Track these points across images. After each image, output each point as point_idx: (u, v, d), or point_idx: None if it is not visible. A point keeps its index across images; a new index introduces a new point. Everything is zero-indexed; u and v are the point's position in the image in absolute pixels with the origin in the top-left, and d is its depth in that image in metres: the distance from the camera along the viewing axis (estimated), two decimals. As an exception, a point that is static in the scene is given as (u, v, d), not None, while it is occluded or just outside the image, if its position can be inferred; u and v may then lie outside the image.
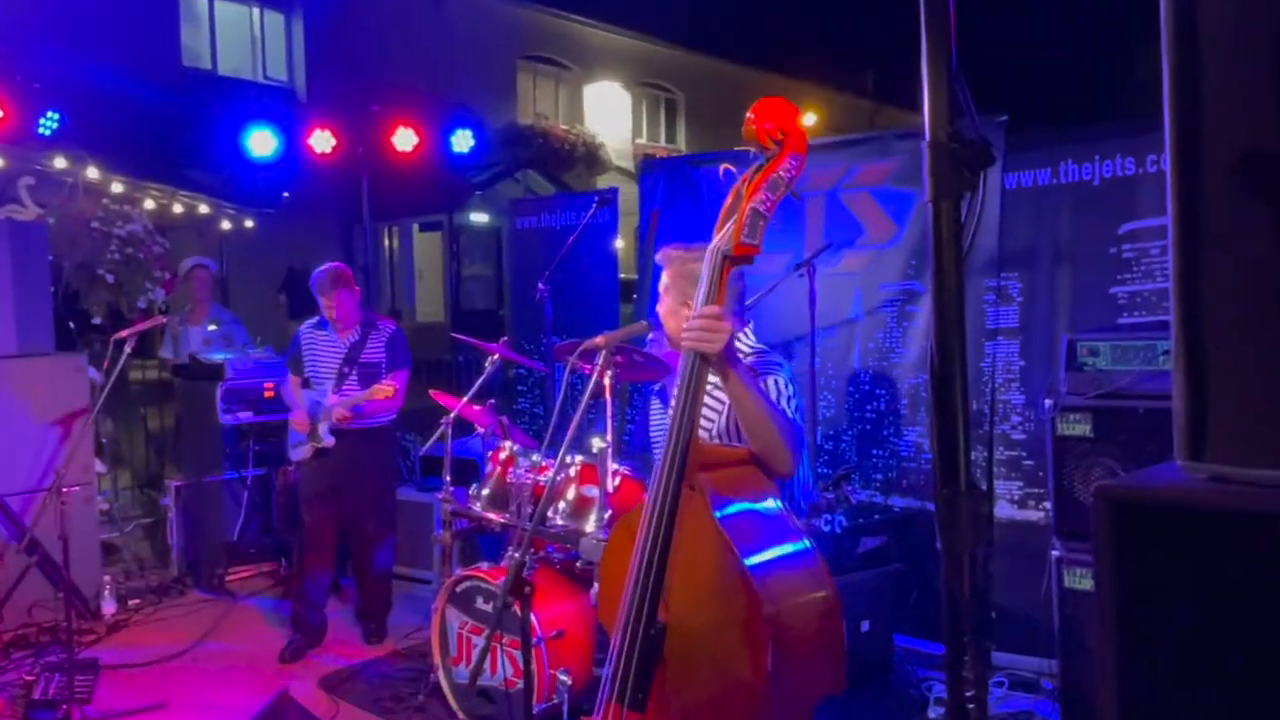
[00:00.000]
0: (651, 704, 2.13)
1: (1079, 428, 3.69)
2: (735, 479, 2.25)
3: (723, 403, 2.63)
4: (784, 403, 2.52)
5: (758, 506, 2.25)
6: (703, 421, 2.66)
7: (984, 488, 4.61)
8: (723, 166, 2.21)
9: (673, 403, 2.16)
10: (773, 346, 5.14)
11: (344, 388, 4.97)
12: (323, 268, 5.02)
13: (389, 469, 5.33)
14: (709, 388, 2.52)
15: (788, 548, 2.19)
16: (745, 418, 2.30)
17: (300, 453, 5.05)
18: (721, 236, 2.11)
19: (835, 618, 2.17)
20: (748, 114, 2.12)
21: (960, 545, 1.42)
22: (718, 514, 2.11)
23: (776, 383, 2.57)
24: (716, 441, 2.64)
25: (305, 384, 5.08)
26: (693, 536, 2.12)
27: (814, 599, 2.15)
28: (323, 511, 5.07)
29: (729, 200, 2.13)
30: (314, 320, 5.12)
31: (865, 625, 4.40)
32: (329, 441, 4.92)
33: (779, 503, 2.29)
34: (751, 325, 2.85)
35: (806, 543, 2.22)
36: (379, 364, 5.03)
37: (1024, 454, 4.62)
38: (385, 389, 4.78)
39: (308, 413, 4.98)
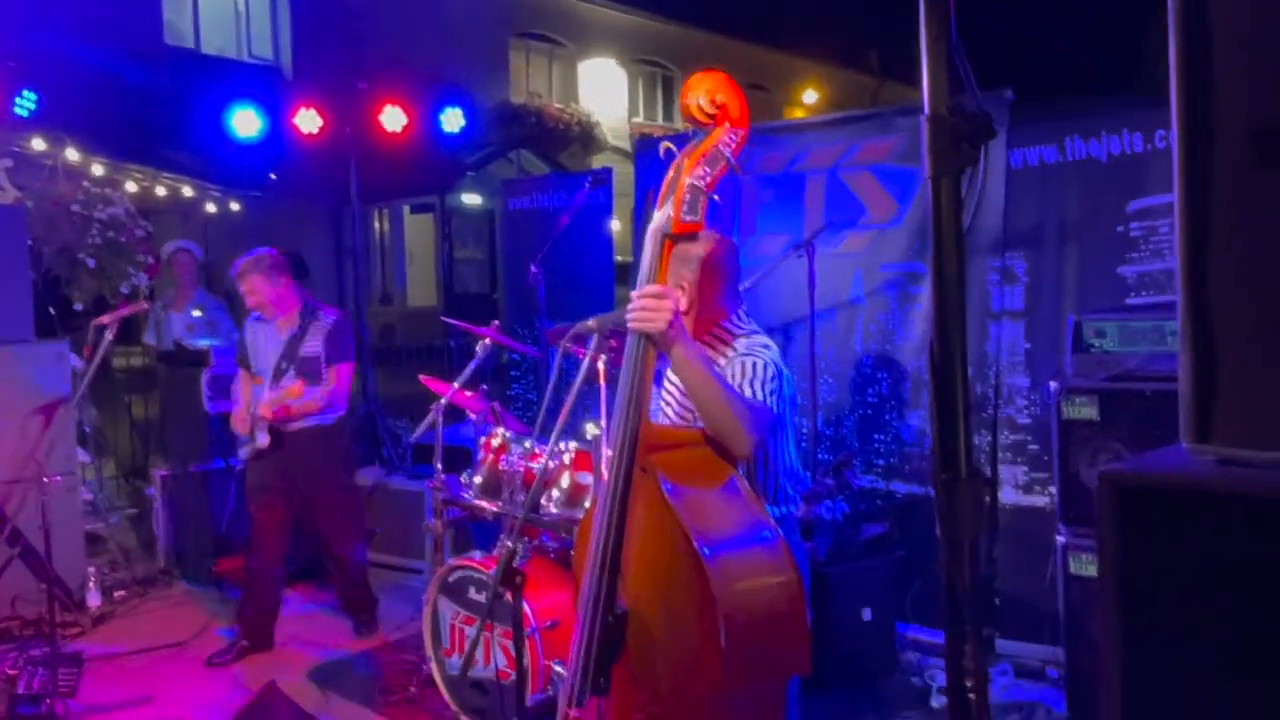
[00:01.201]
0: (614, 687, 2.13)
1: (1085, 411, 3.61)
2: (689, 460, 2.24)
3: None
4: (756, 385, 2.48)
5: (713, 488, 2.23)
6: (688, 407, 2.59)
7: (987, 473, 4.53)
8: (663, 145, 2.18)
9: (620, 384, 2.13)
10: (772, 329, 5.08)
11: (281, 384, 4.67)
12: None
13: (342, 467, 5.03)
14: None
15: (746, 529, 2.18)
16: (694, 397, 2.30)
17: (244, 452, 4.83)
18: (660, 216, 2.10)
19: (797, 600, 2.15)
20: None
21: (960, 532, 1.39)
22: (670, 495, 2.10)
23: (754, 365, 2.52)
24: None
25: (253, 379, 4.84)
26: (646, 519, 2.12)
27: (771, 581, 2.14)
28: (266, 517, 4.82)
29: (668, 177, 2.11)
30: (257, 312, 4.84)
31: (867, 614, 4.32)
32: (263, 442, 4.67)
33: (740, 485, 2.26)
34: (744, 308, 2.76)
35: (768, 525, 2.20)
36: (317, 358, 4.72)
37: (1029, 438, 4.53)
38: (292, 390, 4.54)
39: (249, 411, 4.72)
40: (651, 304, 2.11)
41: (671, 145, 2.16)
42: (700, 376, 2.25)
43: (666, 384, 2.69)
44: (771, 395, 2.49)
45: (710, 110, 2.08)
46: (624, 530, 2.09)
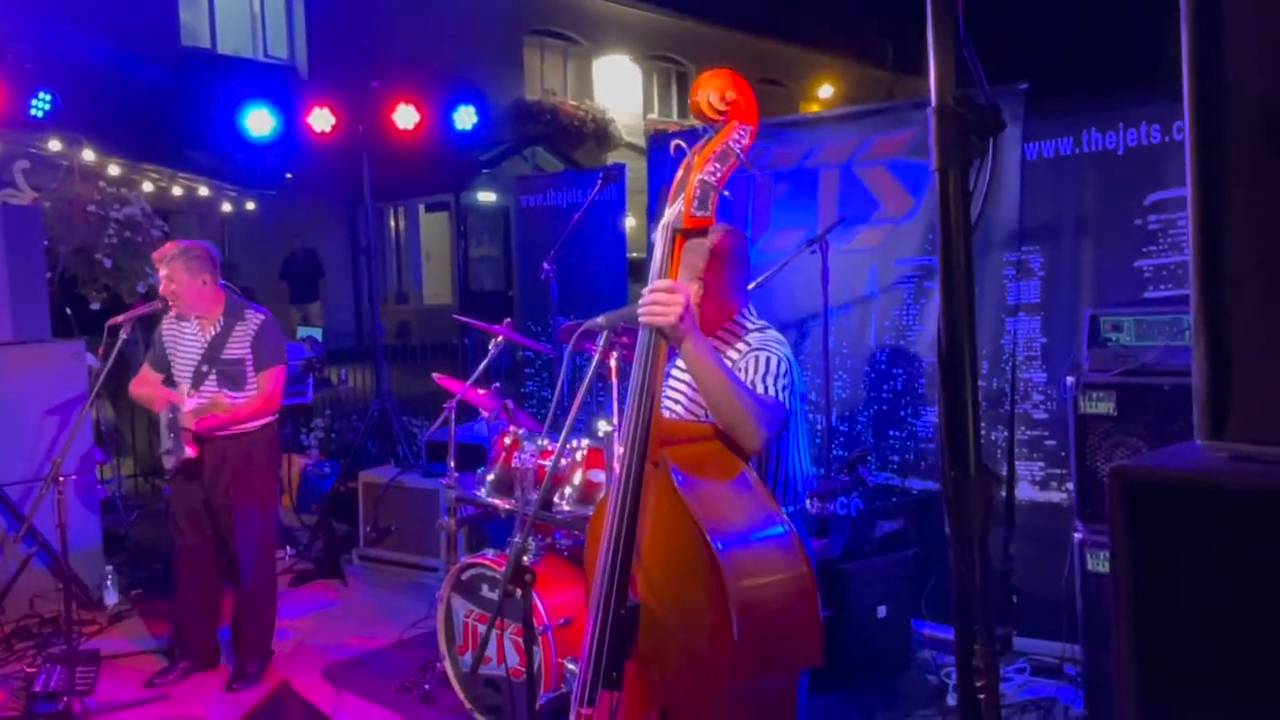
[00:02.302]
0: (627, 681, 2.14)
1: (1102, 406, 3.58)
2: (700, 454, 2.25)
3: None
4: (769, 380, 2.50)
5: (725, 481, 2.25)
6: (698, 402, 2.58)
7: (1003, 469, 4.49)
8: (674, 143, 2.22)
9: (631, 379, 2.16)
10: (786, 325, 5.06)
11: (203, 388, 4.38)
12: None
13: (264, 478, 4.57)
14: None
15: (758, 523, 2.20)
16: (704, 391, 2.33)
17: (169, 462, 4.39)
18: (671, 211, 2.14)
19: (808, 594, 2.17)
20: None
21: (969, 530, 1.38)
22: (682, 488, 2.11)
23: (767, 360, 2.54)
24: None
25: (168, 382, 4.46)
26: (658, 512, 2.13)
27: (783, 575, 2.16)
28: (192, 533, 4.50)
29: (678, 174, 2.16)
30: (175, 312, 4.49)
31: (882, 611, 4.30)
32: (190, 454, 4.27)
33: (751, 479, 2.27)
34: (751, 306, 2.78)
35: (780, 518, 2.21)
36: (242, 361, 4.41)
37: (1046, 434, 4.49)
38: (220, 402, 4.29)
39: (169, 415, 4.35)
40: (662, 298, 2.14)
41: (682, 143, 2.19)
42: (711, 371, 2.27)
43: (676, 379, 2.69)
44: (784, 390, 2.50)
45: (720, 107, 2.13)
46: (635, 523, 2.10)
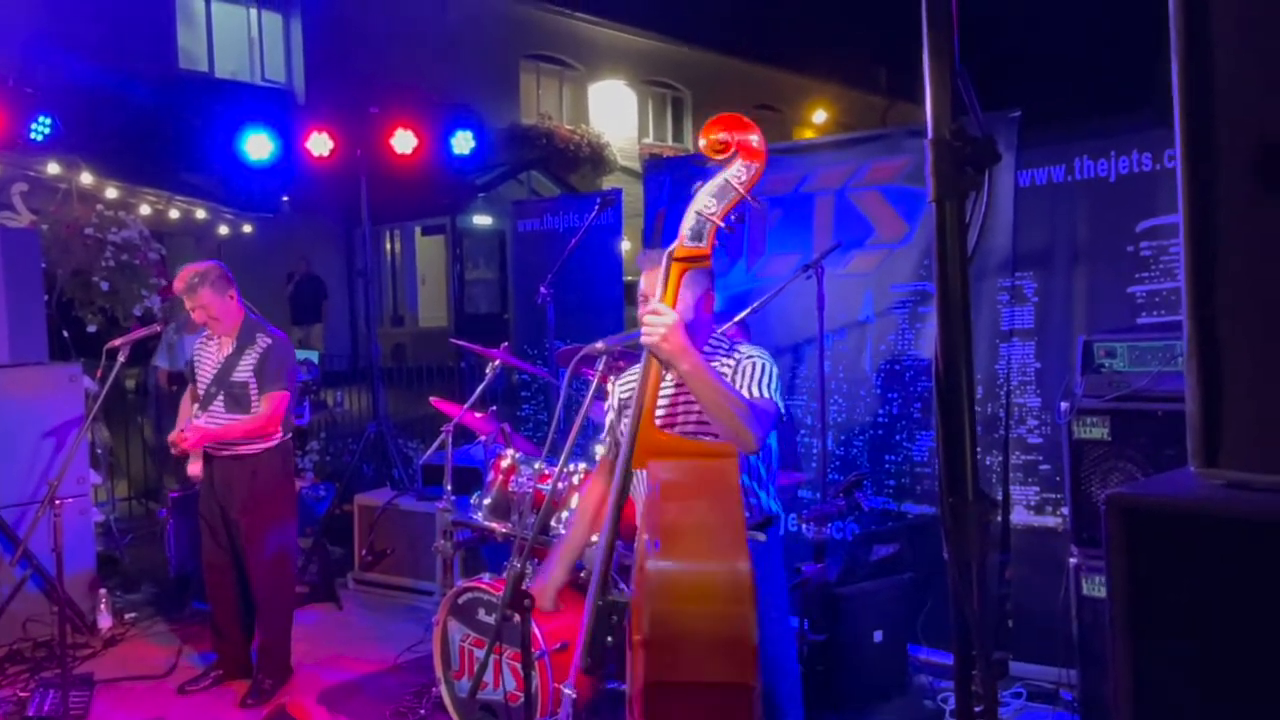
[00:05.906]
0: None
1: (1096, 431, 3.61)
2: (677, 470, 2.35)
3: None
4: (762, 385, 2.70)
5: (680, 499, 2.29)
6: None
7: (998, 494, 4.50)
8: (696, 185, 2.43)
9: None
10: (781, 350, 5.09)
11: (211, 409, 4.48)
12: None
13: (272, 501, 4.57)
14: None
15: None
16: (700, 402, 2.50)
17: (195, 469, 4.59)
18: (675, 241, 2.38)
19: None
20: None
21: (967, 554, 1.41)
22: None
23: (759, 366, 2.75)
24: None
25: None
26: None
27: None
28: (212, 547, 4.62)
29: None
30: (205, 329, 4.60)
31: (878, 635, 4.29)
32: (192, 469, 4.51)
33: (709, 505, 2.33)
34: (720, 330, 2.98)
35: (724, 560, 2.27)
36: (246, 384, 4.45)
37: (1041, 458, 4.51)
38: (185, 434, 4.32)
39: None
40: (649, 319, 2.36)
41: (702, 183, 2.41)
42: (702, 384, 2.44)
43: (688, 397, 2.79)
44: (776, 392, 2.71)
45: (718, 147, 2.33)
46: (618, 521, 2.29)
